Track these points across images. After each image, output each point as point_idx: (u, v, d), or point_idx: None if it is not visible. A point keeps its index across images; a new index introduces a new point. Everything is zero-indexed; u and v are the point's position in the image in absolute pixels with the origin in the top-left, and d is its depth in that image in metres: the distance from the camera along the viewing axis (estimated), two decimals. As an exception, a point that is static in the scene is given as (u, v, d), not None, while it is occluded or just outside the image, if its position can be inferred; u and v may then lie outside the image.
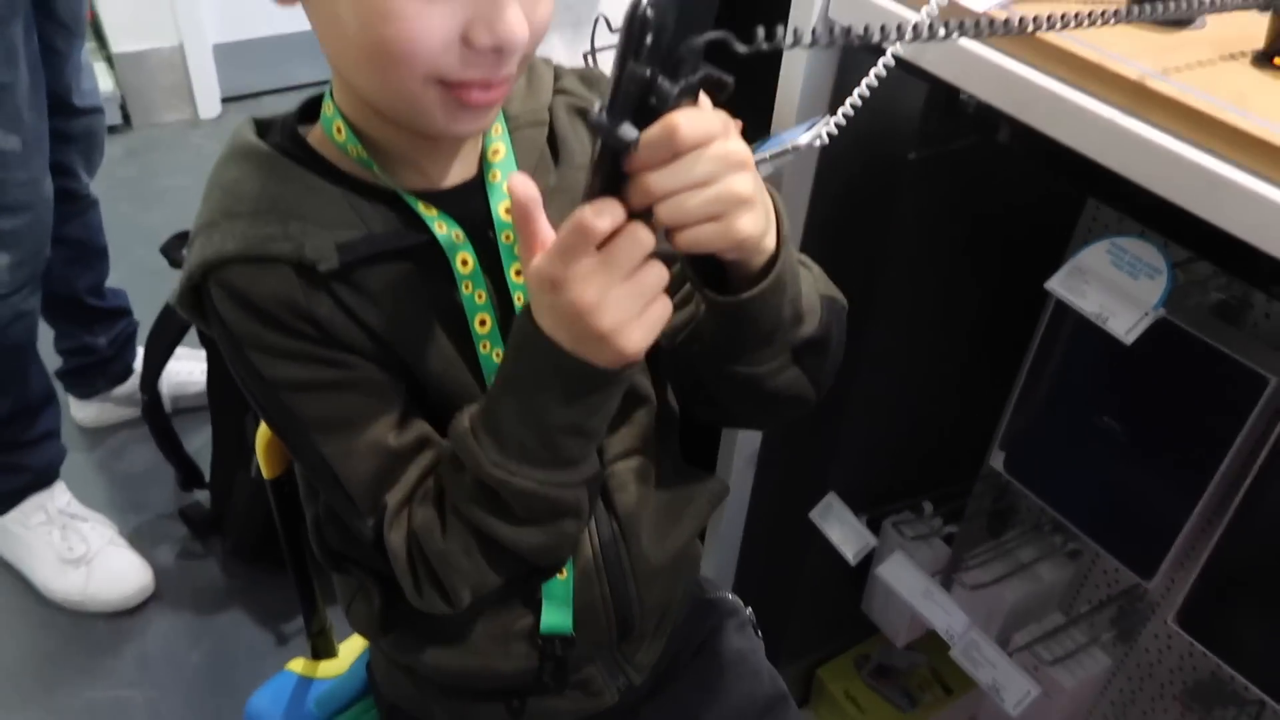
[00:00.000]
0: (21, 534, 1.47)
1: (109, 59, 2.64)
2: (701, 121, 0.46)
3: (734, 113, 0.51)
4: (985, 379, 1.04)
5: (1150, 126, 0.62)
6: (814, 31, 0.46)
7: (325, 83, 0.60)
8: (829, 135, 0.82)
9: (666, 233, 0.49)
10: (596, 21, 0.99)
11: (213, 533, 1.58)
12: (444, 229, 0.59)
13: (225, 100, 2.75)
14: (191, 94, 2.69)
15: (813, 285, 0.64)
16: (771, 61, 0.93)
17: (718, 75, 0.45)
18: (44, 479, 1.50)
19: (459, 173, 0.61)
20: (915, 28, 0.51)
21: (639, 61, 0.42)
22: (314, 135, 0.61)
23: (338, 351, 0.57)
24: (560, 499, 0.57)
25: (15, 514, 1.48)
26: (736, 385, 0.63)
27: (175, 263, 1.39)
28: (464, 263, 0.60)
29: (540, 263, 0.49)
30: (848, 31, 0.47)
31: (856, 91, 0.79)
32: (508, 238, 0.61)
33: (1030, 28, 0.54)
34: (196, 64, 2.66)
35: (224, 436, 1.47)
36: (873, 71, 0.78)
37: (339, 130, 0.58)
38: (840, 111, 0.81)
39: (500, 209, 0.61)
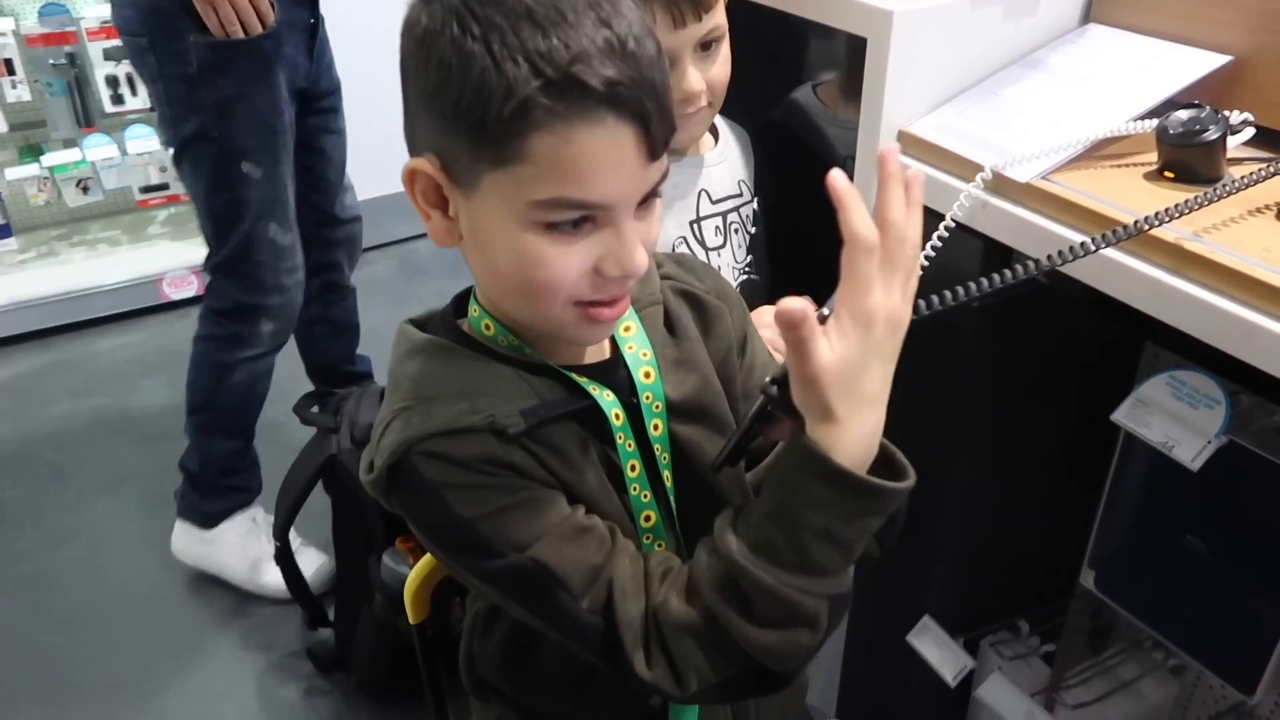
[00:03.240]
0: (236, 541, 1.76)
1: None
2: None
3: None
4: (1070, 500, 1.09)
5: (1190, 282, 0.70)
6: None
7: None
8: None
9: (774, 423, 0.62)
10: (700, 195, 1.11)
11: (337, 669, 1.67)
12: (597, 392, 0.69)
13: (332, 258, 3.00)
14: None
15: None
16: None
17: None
18: (254, 496, 1.85)
19: (595, 352, 0.73)
20: (1070, 249, 0.67)
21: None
22: (465, 328, 0.73)
23: (532, 481, 0.66)
24: (798, 604, 0.59)
25: (228, 525, 1.80)
26: None
27: (306, 420, 1.55)
28: (617, 417, 0.70)
29: (861, 305, 0.55)
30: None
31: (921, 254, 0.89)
32: (647, 398, 0.72)
33: (1146, 227, 0.70)
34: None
35: (348, 577, 1.58)
36: (935, 235, 0.88)
37: (487, 327, 0.70)
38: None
39: (640, 374, 0.72)
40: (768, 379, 0.61)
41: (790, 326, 0.55)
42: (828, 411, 0.57)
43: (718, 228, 1.13)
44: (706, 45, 0.99)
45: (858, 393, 0.57)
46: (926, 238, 0.89)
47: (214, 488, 1.80)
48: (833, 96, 1.25)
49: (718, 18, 0.98)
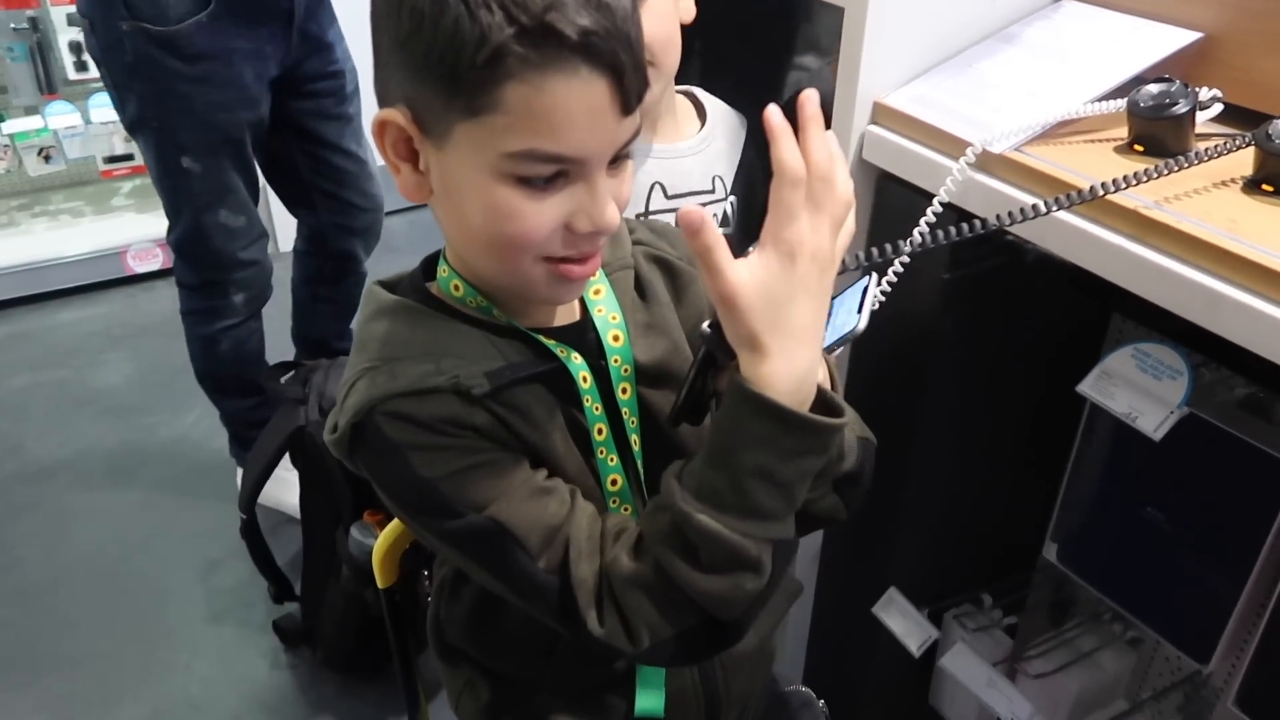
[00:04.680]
0: (287, 477, 1.68)
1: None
2: None
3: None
4: (1035, 474, 1.10)
5: (1155, 251, 0.71)
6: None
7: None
8: (883, 295, 0.90)
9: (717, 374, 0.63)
10: (652, 188, 1.08)
11: (303, 643, 1.66)
12: (565, 354, 0.69)
13: (302, 234, 2.97)
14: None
15: (851, 428, 0.72)
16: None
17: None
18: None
19: (564, 315, 0.73)
20: (1021, 210, 0.69)
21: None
22: (434, 290, 0.72)
23: (494, 444, 0.66)
24: (741, 548, 0.59)
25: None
26: None
27: (274, 392, 1.53)
28: (584, 380, 0.70)
29: (785, 234, 0.57)
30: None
31: (897, 258, 0.88)
32: (615, 361, 0.71)
33: (1102, 193, 0.71)
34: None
35: (315, 550, 1.57)
36: (922, 220, 0.87)
37: (456, 287, 0.69)
38: (885, 280, 0.89)
39: (608, 337, 0.72)
40: (705, 323, 0.62)
41: (692, 232, 0.56)
42: (755, 341, 0.58)
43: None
44: None
45: (785, 325, 0.58)
46: (918, 216, 0.88)
47: (248, 439, 1.84)
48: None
49: None
